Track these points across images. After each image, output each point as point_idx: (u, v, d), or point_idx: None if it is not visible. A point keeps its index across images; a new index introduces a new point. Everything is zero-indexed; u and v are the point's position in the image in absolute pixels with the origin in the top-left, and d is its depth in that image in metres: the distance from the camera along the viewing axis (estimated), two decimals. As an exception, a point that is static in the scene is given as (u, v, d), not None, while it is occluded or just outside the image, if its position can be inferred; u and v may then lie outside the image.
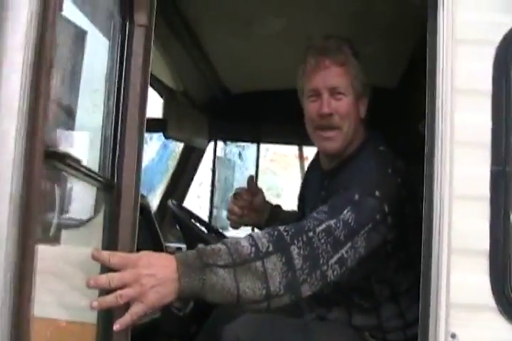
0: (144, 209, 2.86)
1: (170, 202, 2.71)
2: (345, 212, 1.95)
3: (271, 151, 8.36)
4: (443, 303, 1.60)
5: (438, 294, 1.61)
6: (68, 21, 1.56)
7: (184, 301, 2.23)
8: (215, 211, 4.51)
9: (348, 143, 2.27)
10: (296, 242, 1.82)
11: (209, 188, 4.56)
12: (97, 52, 1.83)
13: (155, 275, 1.61)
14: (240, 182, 8.53)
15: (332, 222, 1.91)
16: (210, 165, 4.57)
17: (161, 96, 3.69)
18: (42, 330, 1.63)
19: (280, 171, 9.02)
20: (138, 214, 1.75)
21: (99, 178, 1.64)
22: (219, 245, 1.76)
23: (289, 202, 4.14)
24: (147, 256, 1.66)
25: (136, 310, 1.58)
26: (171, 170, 4.44)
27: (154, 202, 4.28)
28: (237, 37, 3.30)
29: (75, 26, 1.60)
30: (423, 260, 1.65)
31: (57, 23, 1.15)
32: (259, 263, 1.74)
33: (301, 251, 1.80)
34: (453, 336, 1.59)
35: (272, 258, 1.76)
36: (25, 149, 1.13)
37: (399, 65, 3.61)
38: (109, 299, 1.55)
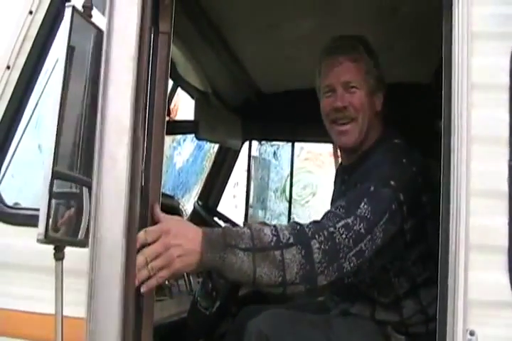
0: (174, 210, 2.88)
1: (195, 203, 2.74)
2: (361, 205, 1.98)
3: (305, 150, 8.32)
4: (461, 300, 1.58)
5: (456, 291, 1.59)
6: (94, 28, 1.59)
7: (211, 300, 2.26)
8: (250, 210, 4.51)
9: (364, 136, 2.33)
10: (317, 237, 1.84)
11: (244, 188, 4.57)
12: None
13: (182, 246, 1.70)
14: (275, 181, 8.54)
15: (350, 220, 1.93)
16: (246, 165, 4.57)
17: (193, 98, 3.70)
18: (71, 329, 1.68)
19: (315, 170, 8.98)
20: None
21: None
22: (244, 228, 1.83)
23: (325, 200, 4.13)
24: (176, 226, 1.75)
25: (161, 275, 1.68)
26: (206, 171, 4.45)
27: (190, 202, 4.30)
28: (266, 39, 3.31)
29: (98, 29, 1.61)
30: (440, 257, 1.64)
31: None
32: (278, 253, 1.78)
33: (322, 246, 1.83)
34: (471, 333, 1.58)
35: (291, 249, 1.80)
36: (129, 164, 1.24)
37: (433, 60, 3.57)
38: (144, 273, 1.65)
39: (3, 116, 2.03)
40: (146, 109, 1.77)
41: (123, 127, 1.21)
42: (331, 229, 1.88)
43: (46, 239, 1.40)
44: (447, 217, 1.63)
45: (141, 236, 1.65)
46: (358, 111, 2.30)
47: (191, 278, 2.57)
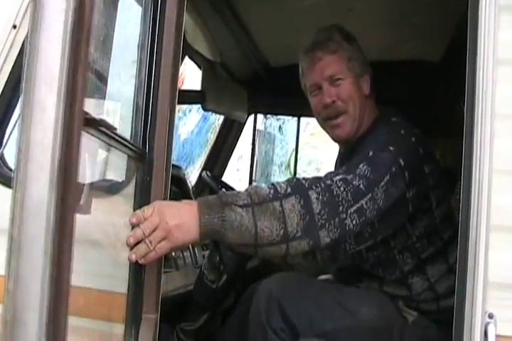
0: (180, 180, 2.85)
1: (204, 174, 2.71)
2: (360, 166, 1.98)
3: (311, 125, 8.25)
4: (480, 282, 1.54)
5: (475, 273, 1.54)
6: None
7: (218, 274, 2.23)
8: (254, 184, 4.48)
9: (359, 123, 2.32)
10: (314, 188, 1.83)
11: (249, 162, 4.54)
12: (130, 20, 1.80)
13: (177, 213, 1.69)
14: (280, 156, 8.51)
15: (348, 177, 1.92)
16: (250, 139, 4.54)
17: (200, 68, 3.66)
18: (70, 298, 1.63)
19: (321, 145, 8.94)
20: (169, 183, 1.76)
21: (132, 147, 1.63)
22: (240, 190, 1.83)
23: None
24: (169, 201, 1.75)
25: (160, 246, 1.65)
26: (210, 143, 4.42)
27: (194, 174, 4.26)
28: (276, 9, 3.26)
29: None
30: (460, 237, 1.59)
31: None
32: (277, 203, 1.76)
33: (320, 197, 1.82)
34: (490, 316, 1.54)
35: (290, 199, 1.78)
36: (65, 117, 1.12)
37: (443, 38, 3.52)
38: (142, 247, 1.63)
39: (9, 77, 1.97)
40: (149, 73, 1.73)
41: (52, 76, 1.12)
42: (328, 182, 1.87)
43: None
44: (468, 195, 1.58)
45: (139, 215, 1.65)
46: (347, 103, 2.30)
47: (196, 251, 2.54)
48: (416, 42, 3.62)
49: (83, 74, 1.13)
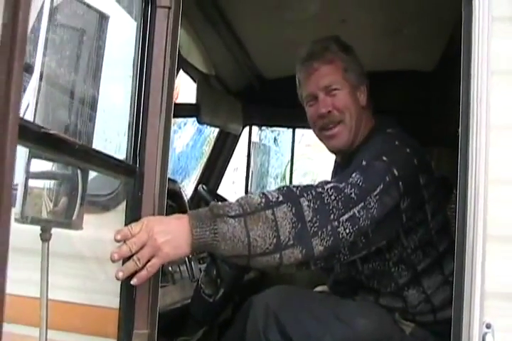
0: (176, 194, 2.84)
1: (200, 187, 2.70)
2: (353, 175, 1.96)
3: (306, 136, 8.25)
4: (477, 292, 1.53)
5: (472, 283, 1.54)
6: (89, 6, 1.53)
7: (215, 288, 2.22)
8: (244, 195, 4.49)
9: (355, 134, 2.31)
10: (305, 195, 1.81)
11: (244, 174, 4.54)
12: (122, 37, 1.80)
13: (167, 229, 1.65)
14: (276, 168, 8.52)
15: (340, 185, 1.90)
16: (246, 151, 4.54)
17: (195, 81, 3.66)
18: (62, 314, 1.63)
19: (316, 156, 8.95)
20: (165, 199, 1.73)
21: (117, 162, 1.61)
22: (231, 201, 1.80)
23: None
24: (158, 216, 1.71)
25: (151, 264, 1.62)
26: (205, 156, 4.42)
27: (189, 187, 4.26)
28: (269, 22, 3.26)
29: (96, 11, 1.55)
30: (457, 247, 1.59)
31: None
32: (269, 212, 1.74)
33: (311, 204, 1.79)
34: (488, 326, 1.53)
35: (282, 207, 1.75)
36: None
37: (437, 48, 3.54)
38: (130, 265, 1.60)
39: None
40: (139, 88, 1.71)
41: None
42: (319, 190, 1.85)
43: (22, 219, 1.34)
44: (464, 206, 1.57)
45: (126, 232, 1.61)
46: (343, 113, 2.30)
47: (193, 265, 2.53)
48: (410, 53, 3.63)
49: (18, 84, 1.10)
